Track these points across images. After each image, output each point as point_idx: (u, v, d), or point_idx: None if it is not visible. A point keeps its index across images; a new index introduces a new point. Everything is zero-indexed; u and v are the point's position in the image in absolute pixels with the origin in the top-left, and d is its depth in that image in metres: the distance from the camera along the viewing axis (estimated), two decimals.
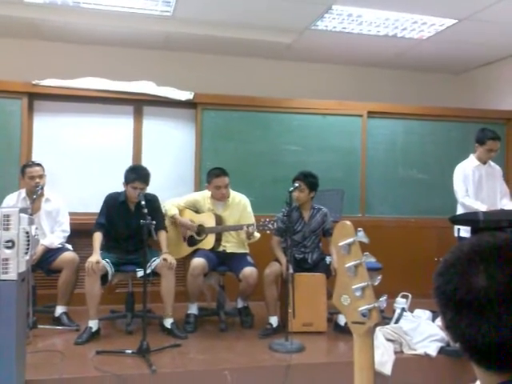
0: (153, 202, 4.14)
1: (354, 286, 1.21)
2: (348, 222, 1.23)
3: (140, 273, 3.86)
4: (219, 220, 4.29)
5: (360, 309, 1.20)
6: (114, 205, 4.17)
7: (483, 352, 0.88)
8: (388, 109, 5.67)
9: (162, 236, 4.13)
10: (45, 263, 4.14)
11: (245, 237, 4.20)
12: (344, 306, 1.23)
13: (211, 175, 4.29)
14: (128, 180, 4.06)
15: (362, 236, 1.21)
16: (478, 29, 4.84)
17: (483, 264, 0.89)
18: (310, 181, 4.19)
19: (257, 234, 4.22)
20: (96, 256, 3.87)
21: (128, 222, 4.11)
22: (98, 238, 4.03)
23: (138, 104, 5.20)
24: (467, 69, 6.31)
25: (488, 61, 5.97)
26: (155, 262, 3.94)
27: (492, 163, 4.63)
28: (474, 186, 4.49)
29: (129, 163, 4.71)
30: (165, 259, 3.93)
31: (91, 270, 3.77)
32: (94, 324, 3.82)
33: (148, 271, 3.73)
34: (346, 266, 1.22)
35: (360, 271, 1.21)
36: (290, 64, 6.00)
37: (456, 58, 5.88)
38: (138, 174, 4.06)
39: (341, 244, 1.22)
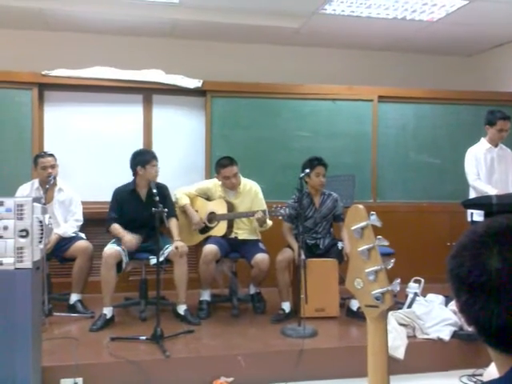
0: (163, 190, 4.17)
1: (367, 270, 1.21)
2: (361, 206, 1.23)
3: (153, 260, 3.90)
4: (231, 207, 4.30)
5: (373, 292, 1.20)
6: (124, 196, 4.20)
7: (497, 335, 0.88)
8: (398, 93, 5.61)
9: (173, 223, 4.15)
10: (59, 252, 4.19)
11: (257, 225, 4.21)
12: (357, 290, 1.24)
13: (219, 166, 4.29)
14: (145, 162, 4.10)
15: (374, 219, 1.21)
16: (489, 9, 4.75)
17: (497, 246, 0.88)
18: (326, 164, 4.21)
19: (269, 222, 4.23)
20: (128, 235, 3.97)
21: (140, 210, 4.12)
22: (117, 226, 4.08)
23: (148, 92, 5.20)
24: (479, 51, 6.21)
25: (500, 42, 5.87)
26: (168, 250, 3.97)
27: (504, 146, 4.58)
28: (486, 168, 4.45)
29: None
30: (176, 247, 3.96)
31: (131, 245, 3.93)
32: (108, 311, 3.87)
33: (161, 259, 3.76)
34: (359, 249, 1.22)
35: (373, 255, 1.21)
36: (299, 49, 5.94)
37: (467, 40, 5.79)
38: (149, 154, 4.20)
39: (354, 228, 1.22)
